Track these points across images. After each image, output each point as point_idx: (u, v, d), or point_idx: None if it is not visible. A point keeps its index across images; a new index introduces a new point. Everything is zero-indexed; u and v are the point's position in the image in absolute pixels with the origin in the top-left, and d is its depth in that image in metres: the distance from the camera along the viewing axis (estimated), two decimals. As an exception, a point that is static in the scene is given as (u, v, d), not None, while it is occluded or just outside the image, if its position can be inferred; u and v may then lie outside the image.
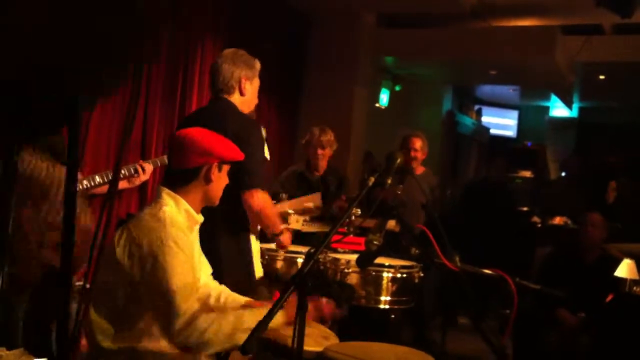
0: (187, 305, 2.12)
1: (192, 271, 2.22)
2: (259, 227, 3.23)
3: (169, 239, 2.18)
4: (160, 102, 5.69)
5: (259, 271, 3.18)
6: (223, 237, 3.03)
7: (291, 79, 7.58)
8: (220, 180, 2.42)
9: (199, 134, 2.39)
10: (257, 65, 3.25)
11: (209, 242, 2.69)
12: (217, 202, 2.46)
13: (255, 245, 3.20)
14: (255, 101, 3.30)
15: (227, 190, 2.50)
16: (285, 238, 3.27)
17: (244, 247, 3.12)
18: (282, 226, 3.25)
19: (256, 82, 3.26)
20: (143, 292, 2.17)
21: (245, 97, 3.20)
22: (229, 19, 6.38)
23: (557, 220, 7.41)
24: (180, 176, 2.36)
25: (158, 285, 2.13)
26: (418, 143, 5.47)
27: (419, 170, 5.58)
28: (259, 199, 3.00)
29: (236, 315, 2.20)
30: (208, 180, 2.37)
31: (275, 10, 7.11)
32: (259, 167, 3.02)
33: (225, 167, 2.43)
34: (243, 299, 2.54)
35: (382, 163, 2.37)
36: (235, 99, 3.17)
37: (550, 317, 4.47)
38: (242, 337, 2.06)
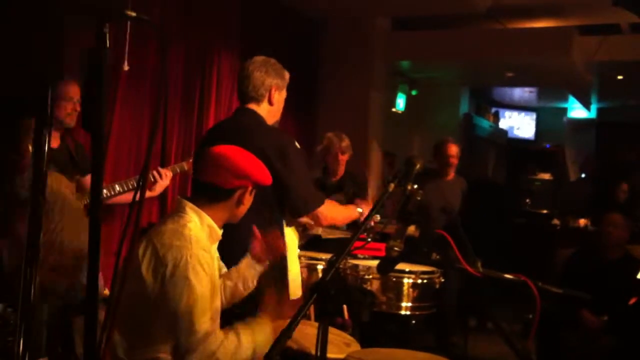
0: (201, 325, 2.12)
1: (210, 291, 2.21)
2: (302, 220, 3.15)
3: (194, 259, 2.16)
4: (178, 111, 5.73)
5: (295, 267, 3.05)
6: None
7: (307, 85, 7.59)
8: (249, 203, 2.40)
9: (238, 155, 2.35)
10: (287, 76, 3.16)
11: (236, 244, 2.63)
12: (236, 221, 2.43)
13: (293, 238, 3.08)
14: (280, 112, 3.20)
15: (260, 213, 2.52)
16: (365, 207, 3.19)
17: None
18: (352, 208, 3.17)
19: (284, 93, 3.16)
20: (161, 309, 2.16)
21: (273, 107, 3.10)
22: (243, 26, 6.42)
23: (577, 222, 7.36)
24: (211, 193, 2.33)
25: (177, 305, 2.12)
26: (454, 149, 5.55)
27: (450, 175, 5.62)
28: (325, 214, 2.92)
29: (240, 334, 2.20)
30: (240, 203, 2.35)
31: (289, 16, 7.14)
32: (307, 185, 2.94)
33: (254, 191, 2.40)
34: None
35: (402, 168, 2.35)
36: (263, 108, 3.07)
37: (573, 319, 4.43)
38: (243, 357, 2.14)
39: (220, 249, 2.48)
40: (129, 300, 2.19)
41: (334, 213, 3.04)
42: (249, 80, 3.05)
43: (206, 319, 2.14)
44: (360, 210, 3.17)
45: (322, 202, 2.93)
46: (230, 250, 2.55)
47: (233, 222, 2.42)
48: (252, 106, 3.07)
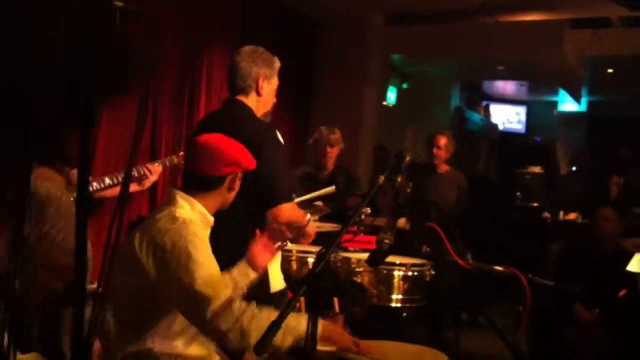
0: (217, 291, 2.13)
1: (212, 257, 2.24)
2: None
3: (189, 233, 2.20)
4: (168, 105, 5.71)
5: (277, 281, 2.99)
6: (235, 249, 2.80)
7: (301, 81, 7.59)
8: (237, 188, 2.44)
9: (224, 143, 2.38)
10: (277, 63, 3.12)
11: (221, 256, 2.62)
12: (226, 207, 2.46)
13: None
14: (273, 101, 3.16)
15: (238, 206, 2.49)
16: (311, 227, 3.06)
17: None
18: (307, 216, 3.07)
19: (275, 82, 3.12)
20: (168, 291, 2.17)
21: (262, 97, 3.06)
22: (237, 22, 6.40)
23: (568, 215, 7.38)
24: (202, 182, 2.36)
25: (187, 278, 2.13)
26: (442, 140, 5.59)
27: (443, 168, 5.64)
28: (286, 212, 2.86)
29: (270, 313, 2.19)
30: (230, 189, 2.40)
31: (283, 12, 7.12)
32: (279, 178, 2.89)
33: (241, 176, 2.44)
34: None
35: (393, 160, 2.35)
36: (252, 99, 3.04)
37: (567, 313, 4.44)
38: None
39: None
40: (128, 290, 2.20)
41: (293, 213, 2.93)
42: (235, 71, 3.03)
43: (223, 286, 2.17)
44: (308, 217, 3.09)
45: (288, 200, 2.89)
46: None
47: (223, 209, 2.44)
48: (241, 98, 3.04)
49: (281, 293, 2.96)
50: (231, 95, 3.09)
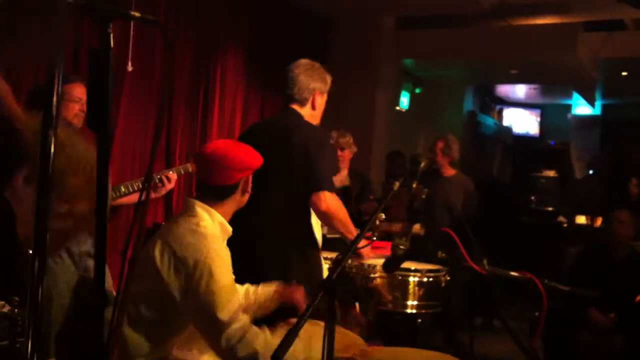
0: (232, 317, 2.16)
1: (232, 276, 2.30)
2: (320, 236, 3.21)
3: (213, 252, 2.22)
4: (183, 111, 5.74)
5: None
6: (294, 257, 3.03)
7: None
8: (250, 189, 2.50)
9: (232, 149, 2.43)
10: (329, 80, 3.28)
11: (280, 265, 2.77)
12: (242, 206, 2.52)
13: (319, 232, 3.18)
14: (321, 116, 3.33)
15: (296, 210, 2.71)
16: (366, 251, 3.21)
17: (315, 269, 3.08)
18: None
19: (325, 97, 3.29)
20: (187, 304, 2.20)
21: (315, 111, 3.24)
22: (249, 26, 6.42)
23: (584, 219, 7.33)
24: (217, 192, 2.40)
25: (207, 301, 2.17)
26: (439, 144, 5.59)
27: (448, 172, 5.61)
28: (328, 200, 2.96)
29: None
30: (245, 191, 2.45)
31: (294, 15, 7.13)
32: (328, 172, 3.05)
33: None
34: (273, 286, 2.63)
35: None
36: (306, 111, 3.20)
37: (582, 318, 4.41)
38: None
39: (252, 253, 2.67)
40: (147, 299, 2.22)
41: (338, 206, 3.05)
42: (294, 83, 3.16)
43: (233, 305, 2.19)
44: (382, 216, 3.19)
45: (332, 190, 3.01)
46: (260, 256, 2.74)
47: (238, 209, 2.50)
48: (296, 107, 3.19)
49: None
50: (286, 104, 3.23)
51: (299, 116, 3.16)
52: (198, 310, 2.18)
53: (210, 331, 2.18)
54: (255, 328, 2.21)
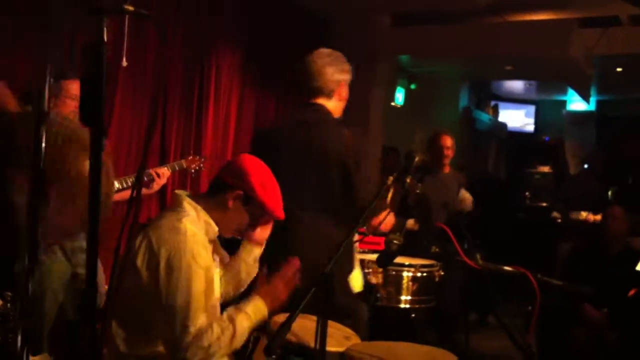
0: (195, 322, 2.11)
1: (205, 286, 2.19)
2: None
3: (188, 253, 2.15)
4: (178, 108, 5.73)
5: (358, 283, 3.05)
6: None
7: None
8: (237, 212, 2.35)
9: (248, 161, 2.36)
10: (350, 68, 3.12)
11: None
12: (226, 234, 2.40)
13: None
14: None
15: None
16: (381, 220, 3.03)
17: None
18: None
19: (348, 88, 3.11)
20: (157, 302, 2.16)
21: (341, 102, 3.05)
22: (244, 23, 6.41)
23: (578, 214, 7.34)
24: (210, 186, 2.39)
25: (171, 299, 2.12)
26: (449, 141, 5.38)
27: (447, 169, 5.51)
28: (386, 223, 2.78)
29: (236, 322, 2.19)
30: (226, 207, 2.32)
31: (290, 12, 7.13)
32: (367, 183, 2.86)
33: (255, 210, 2.37)
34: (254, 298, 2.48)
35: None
36: (332, 103, 3.00)
37: (576, 313, 4.42)
38: (240, 342, 2.18)
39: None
40: (127, 293, 2.20)
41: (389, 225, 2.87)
42: (319, 75, 2.96)
43: (200, 315, 2.13)
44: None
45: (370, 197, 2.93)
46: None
47: (223, 234, 2.38)
48: (321, 101, 3.00)
49: (359, 294, 3.03)
50: (308, 99, 3.02)
51: (326, 113, 2.97)
52: (169, 312, 2.13)
53: (178, 337, 2.12)
54: (221, 336, 2.13)
